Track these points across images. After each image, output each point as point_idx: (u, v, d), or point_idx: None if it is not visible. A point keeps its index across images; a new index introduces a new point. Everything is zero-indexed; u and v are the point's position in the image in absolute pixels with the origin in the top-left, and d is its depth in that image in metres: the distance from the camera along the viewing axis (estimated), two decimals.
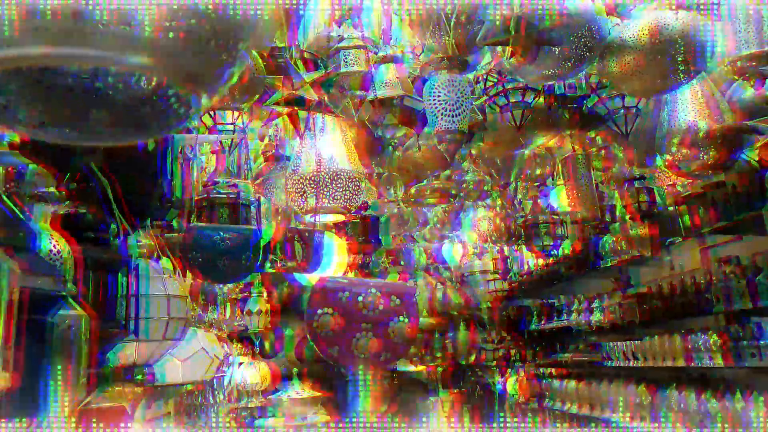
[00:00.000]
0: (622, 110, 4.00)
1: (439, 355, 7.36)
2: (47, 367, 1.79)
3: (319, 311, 2.46)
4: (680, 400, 4.47)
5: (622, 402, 5.13)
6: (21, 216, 2.01)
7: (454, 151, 3.44)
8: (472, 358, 7.42)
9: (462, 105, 2.95)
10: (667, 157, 3.82)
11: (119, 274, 2.54)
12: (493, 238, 6.13)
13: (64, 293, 1.91)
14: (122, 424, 3.21)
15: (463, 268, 7.20)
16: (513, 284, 6.95)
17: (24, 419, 1.70)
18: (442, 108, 2.89)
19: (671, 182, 4.35)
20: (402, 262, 7.34)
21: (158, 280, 2.87)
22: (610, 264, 5.25)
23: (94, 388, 2.31)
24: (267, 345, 7.00)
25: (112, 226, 2.63)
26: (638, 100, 3.90)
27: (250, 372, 5.79)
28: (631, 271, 5.24)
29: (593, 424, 5.58)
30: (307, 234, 3.38)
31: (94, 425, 3.13)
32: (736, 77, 3.15)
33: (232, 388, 5.25)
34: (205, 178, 3.83)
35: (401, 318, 2.58)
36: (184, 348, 3.35)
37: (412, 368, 7.67)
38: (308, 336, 2.63)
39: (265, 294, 6.55)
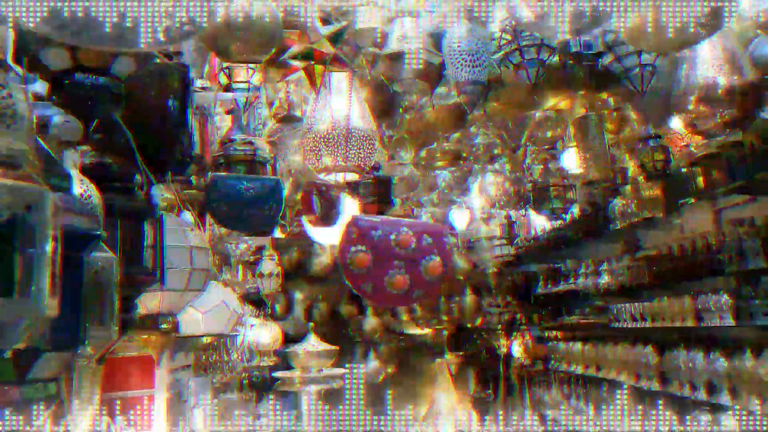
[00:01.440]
0: (638, 68, 3.97)
1: (444, 318, 7.46)
2: (83, 305, 1.82)
3: (352, 248, 2.49)
4: (688, 360, 4.54)
5: (629, 363, 5.21)
6: (55, 157, 2.02)
7: (474, 104, 3.42)
8: (478, 321, 7.52)
9: (482, 55, 2.92)
10: (684, 115, 3.80)
11: (144, 224, 2.56)
12: (502, 203, 6.14)
13: (98, 233, 1.93)
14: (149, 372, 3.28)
15: (469, 234, 7.23)
16: (519, 249, 6.99)
17: (65, 352, 1.73)
18: (462, 58, 2.87)
19: (685, 143, 4.34)
20: None
21: (180, 232, 2.90)
22: (619, 227, 5.27)
23: (123, 331, 2.34)
24: (277, 307, 7.11)
25: (136, 176, 2.65)
26: (655, 58, 3.87)
27: (262, 333, 5.88)
28: (641, 234, 5.27)
29: (599, 385, 5.69)
30: (324, 188, 3.38)
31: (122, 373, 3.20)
32: (758, 31, 3.11)
33: (244, 349, 5.34)
34: (221, 136, 3.83)
35: (433, 256, 2.61)
36: (205, 300, 3.39)
37: (418, 331, 7.78)
38: (341, 272, 2.66)
39: (276, 257, 6.60)
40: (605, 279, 5.62)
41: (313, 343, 3.82)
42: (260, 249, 6.64)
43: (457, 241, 7.59)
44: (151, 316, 2.99)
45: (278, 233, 6.98)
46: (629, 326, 5.24)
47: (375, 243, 2.53)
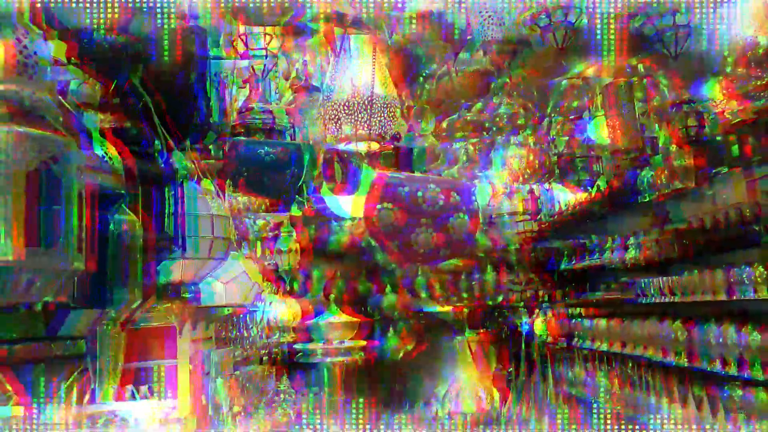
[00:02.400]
0: (673, 30, 3.79)
1: (465, 296, 7.37)
2: (109, 266, 1.78)
3: (379, 206, 2.40)
4: (719, 334, 4.40)
5: (656, 338, 5.09)
6: (77, 120, 1.98)
7: (500, 66, 3.30)
8: (500, 299, 7.42)
9: (509, 14, 2.80)
10: (720, 78, 3.62)
11: (165, 190, 2.51)
12: (526, 176, 6.00)
13: (122, 192, 1.90)
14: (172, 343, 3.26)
15: (491, 210, 7.10)
16: (543, 225, 6.84)
17: (92, 310, 1.70)
18: (489, 17, 2.75)
19: (720, 109, 4.16)
20: None
21: (201, 200, 2.85)
22: (648, 199, 5.10)
23: (146, 297, 2.31)
24: (296, 284, 7.08)
25: (156, 142, 2.60)
26: (690, 18, 3.69)
27: (281, 309, 5.86)
28: (671, 206, 5.09)
29: (624, 361, 5.58)
30: (345, 155, 3.30)
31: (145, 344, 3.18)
32: None
33: (263, 325, 5.33)
34: (239, 105, 3.76)
35: (461, 214, 2.51)
36: (226, 271, 3.36)
37: (437, 309, 7.71)
38: (368, 231, 2.57)
39: (294, 233, 6.55)
40: (632, 253, 5.47)
41: (335, 315, 3.76)
42: (278, 226, 6.60)
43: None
44: (174, 285, 2.96)
45: (296, 211, 6.95)
46: (657, 301, 5.10)
47: (402, 200, 2.43)
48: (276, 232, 6.47)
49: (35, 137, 1.37)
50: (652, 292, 5.12)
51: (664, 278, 4.98)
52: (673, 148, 4.37)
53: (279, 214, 6.63)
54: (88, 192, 1.50)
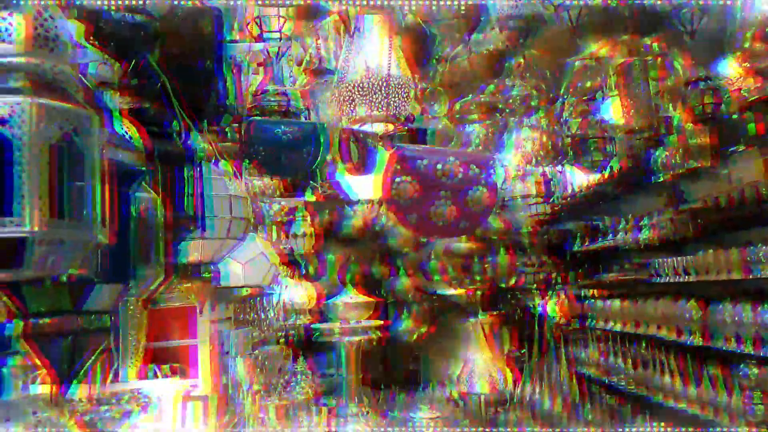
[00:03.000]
0: (688, 6, 3.75)
1: (478, 278, 7.39)
2: (131, 241, 1.82)
3: (398, 179, 2.43)
4: (735, 313, 4.41)
5: (671, 318, 5.09)
6: (98, 98, 2.01)
7: (515, 41, 3.30)
8: (512, 281, 7.43)
9: None
10: (738, 54, 3.59)
11: (185, 170, 2.54)
12: (539, 159, 5.99)
13: (143, 169, 1.93)
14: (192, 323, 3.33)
15: (504, 193, 7.10)
16: (556, 207, 6.83)
17: (117, 285, 1.74)
18: None
19: (736, 87, 4.12)
20: None
21: (220, 181, 2.89)
22: (662, 179, 5.09)
23: (167, 276, 2.36)
24: (311, 268, 7.14)
25: (174, 123, 2.63)
26: None
27: (297, 292, 5.92)
28: (686, 186, 5.07)
29: (638, 342, 5.59)
30: (362, 135, 3.32)
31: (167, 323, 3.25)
32: None
33: (280, 307, 5.39)
34: (254, 88, 3.79)
35: (480, 187, 2.54)
36: (245, 251, 3.41)
37: (451, 291, 7.75)
38: (385, 204, 2.60)
39: (309, 218, 6.59)
40: (646, 234, 5.46)
41: (351, 295, 3.82)
42: (293, 210, 6.64)
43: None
44: (193, 265, 3.02)
45: (310, 196, 6.98)
46: (672, 281, 5.10)
47: (421, 173, 2.45)
48: (291, 216, 6.52)
49: (58, 109, 1.38)
50: (667, 271, 5.12)
51: (679, 258, 4.98)
52: (689, 126, 4.34)
53: (293, 198, 6.68)
54: (109, 168, 1.53)
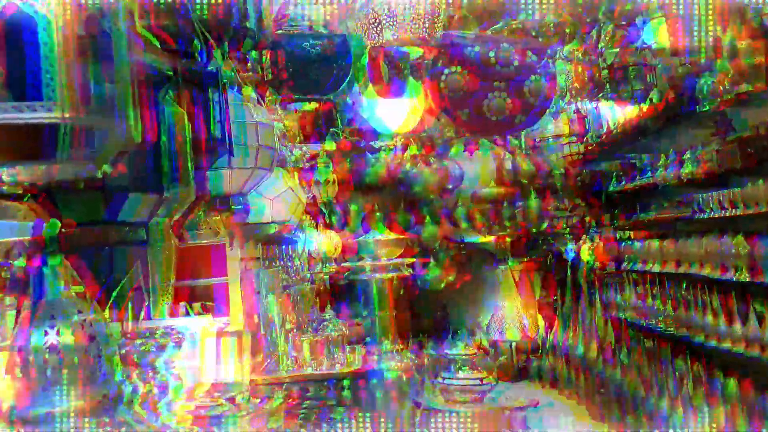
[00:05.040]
0: None
1: (508, 224, 7.21)
2: (162, 151, 1.68)
3: (446, 70, 2.21)
4: None
5: (715, 255, 4.87)
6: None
7: None
8: (544, 226, 7.24)
9: None
10: None
11: (209, 91, 2.37)
12: (573, 93, 5.69)
13: (169, 73, 1.78)
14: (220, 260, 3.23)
15: (534, 133, 6.83)
16: (590, 146, 6.55)
17: (149, 195, 1.61)
18: None
19: None
20: (467, 133, 7.02)
21: (244, 107, 2.71)
22: (708, 108, 4.77)
23: (198, 199, 2.22)
24: (334, 218, 7.02)
25: (194, 42, 2.45)
26: None
27: (322, 240, 5.81)
28: (734, 114, 4.75)
29: (678, 282, 5.39)
30: (392, 54, 3.11)
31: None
32: None
33: (305, 256, 5.29)
34: (275, 13, 3.57)
35: (537, 76, 2.31)
36: (272, 187, 3.27)
37: (479, 239, 7.59)
38: (433, 99, 2.40)
39: (331, 164, 6.44)
40: (689, 168, 5.18)
41: (383, 233, 3.67)
42: (315, 157, 6.48)
43: (521, 143, 7.22)
44: (222, 197, 2.88)
45: (331, 144, 6.80)
46: (716, 216, 4.85)
47: (472, 62, 2.21)
48: (313, 162, 6.37)
49: (86, 3, 1.25)
50: (711, 206, 4.86)
51: (725, 191, 4.71)
52: (742, 45, 4.01)
53: (315, 145, 6.50)
54: (139, 69, 1.38)
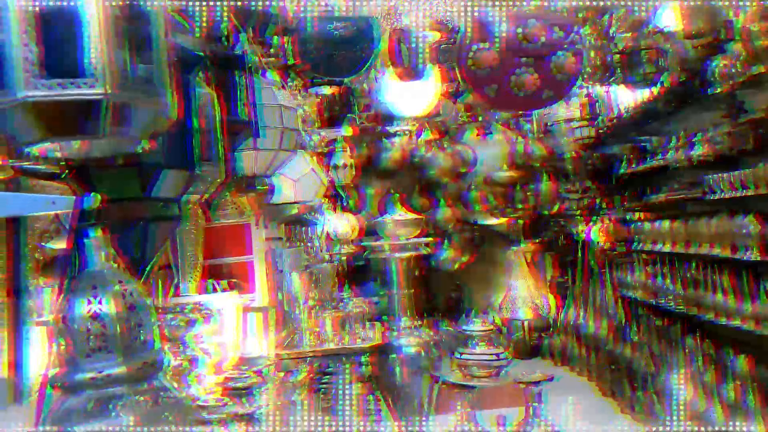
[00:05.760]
0: None
1: (520, 206, 7.32)
2: (194, 129, 1.80)
3: (474, 46, 2.28)
4: None
5: (726, 235, 4.94)
6: None
7: None
8: (555, 208, 7.33)
9: None
10: None
11: (236, 74, 2.50)
12: (585, 77, 5.75)
13: (200, 54, 1.89)
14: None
15: (546, 117, 6.90)
16: (601, 130, 6.61)
17: (182, 171, 1.73)
18: None
19: None
20: (480, 117, 7.12)
21: (269, 90, 2.84)
22: (719, 90, 4.82)
23: (228, 177, 2.35)
24: (351, 202, 7.17)
25: (222, 24, 2.57)
26: None
27: (340, 223, 5.95)
28: (746, 96, 4.80)
29: (689, 262, 5.47)
30: (411, 35, 3.19)
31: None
32: None
33: (324, 238, 5.44)
34: None
35: (564, 51, 2.39)
36: (295, 168, 3.41)
37: (492, 221, 7.70)
38: (461, 75, 2.49)
39: (349, 149, 6.55)
40: (700, 149, 5.24)
41: (401, 213, 3.80)
42: (333, 142, 6.61)
43: (533, 127, 7.30)
44: (248, 177, 3.03)
45: (348, 129, 6.91)
46: (727, 197, 4.91)
47: (499, 38, 2.27)
48: (330, 147, 6.49)
49: None
50: (723, 187, 4.92)
51: (736, 172, 4.77)
52: (755, 27, 4.06)
53: (333, 130, 6.63)
54: (171, 47, 1.48)
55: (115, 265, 1.15)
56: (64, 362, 1.09)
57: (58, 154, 1.22)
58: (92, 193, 1.20)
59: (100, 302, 1.09)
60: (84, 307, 1.10)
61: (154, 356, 1.16)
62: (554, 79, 2.44)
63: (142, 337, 1.14)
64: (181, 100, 1.62)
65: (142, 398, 1.08)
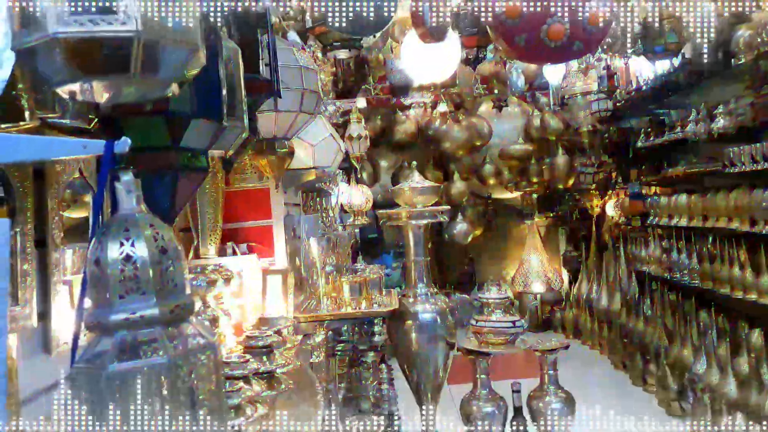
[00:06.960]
0: None
1: (535, 180, 7.28)
2: (220, 79, 1.78)
3: None
4: None
5: (744, 208, 4.91)
6: None
7: None
8: (570, 182, 7.29)
9: None
10: None
11: (257, 32, 2.47)
12: (604, 48, 5.66)
13: (226, 9, 1.86)
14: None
15: (563, 90, 6.81)
16: (618, 103, 6.53)
17: (211, 122, 1.72)
18: None
19: None
20: (496, 90, 7.03)
21: (288, 52, 2.82)
22: (743, 61, 4.73)
23: (252, 135, 2.35)
24: (365, 174, 7.17)
25: None
26: None
27: (354, 194, 5.95)
28: None
29: (705, 236, 5.45)
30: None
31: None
32: None
33: (338, 209, 5.45)
34: None
35: (596, 1, 2.34)
36: (312, 133, 3.40)
37: (507, 195, 7.68)
38: (489, 28, 2.45)
39: (362, 121, 6.52)
40: (720, 123, 5.17)
41: (418, 180, 3.79)
42: (347, 113, 6.59)
43: (549, 100, 7.21)
44: (268, 140, 3.02)
45: (362, 101, 6.88)
46: (747, 170, 4.86)
47: None
48: (345, 118, 6.48)
49: None
50: (743, 160, 4.87)
51: (757, 144, 4.71)
52: None
53: (347, 101, 6.60)
54: None
55: (146, 209, 1.16)
56: (98, 305, 1.11)
57: (88, 97, 1.20)
58: (123, 137, 1.19)
59: (132, 245, 1.10)
60: (117, 250, 1.10)
61: (185, 299, 1.17)
62: (585, 30, 2.38)
63: (175, 280, 1.15)
64: (209, 49, 1.60)
65: (173, 342, 1.10)
